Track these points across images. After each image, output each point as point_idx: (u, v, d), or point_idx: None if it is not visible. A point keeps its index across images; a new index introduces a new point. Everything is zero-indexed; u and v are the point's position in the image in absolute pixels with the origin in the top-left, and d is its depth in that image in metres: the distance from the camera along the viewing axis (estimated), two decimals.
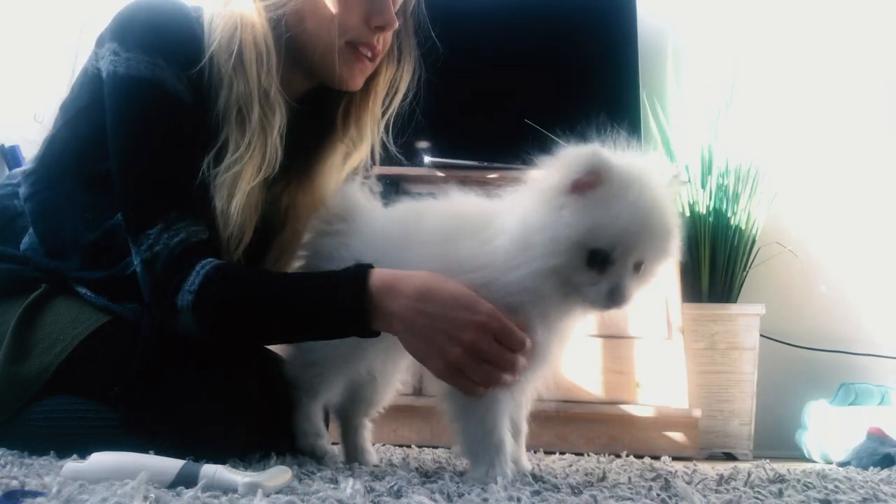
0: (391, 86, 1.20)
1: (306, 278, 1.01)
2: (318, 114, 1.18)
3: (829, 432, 1.91)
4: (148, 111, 0.98)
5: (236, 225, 0.98)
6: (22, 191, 1.08)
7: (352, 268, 0.91)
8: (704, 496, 0.76)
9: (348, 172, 1.22)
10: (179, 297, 0.92)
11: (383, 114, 1.21)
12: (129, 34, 1.00)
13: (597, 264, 0.77)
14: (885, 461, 1.50)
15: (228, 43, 1.00)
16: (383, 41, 1.12)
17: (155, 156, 0.98)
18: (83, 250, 1.02)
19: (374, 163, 1.25)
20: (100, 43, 1.03)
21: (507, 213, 0.86)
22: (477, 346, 0.82)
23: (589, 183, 0.77)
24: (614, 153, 0.79)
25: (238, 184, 0.98)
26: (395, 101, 1.20)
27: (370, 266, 0.90)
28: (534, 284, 0.80)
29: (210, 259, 0.94)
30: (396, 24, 1.10)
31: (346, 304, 0.88)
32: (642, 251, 0.78)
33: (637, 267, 0.79)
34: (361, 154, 1.22)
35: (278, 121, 1.03)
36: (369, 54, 1.10)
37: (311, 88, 1.16)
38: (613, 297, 0.78)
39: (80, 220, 1.03)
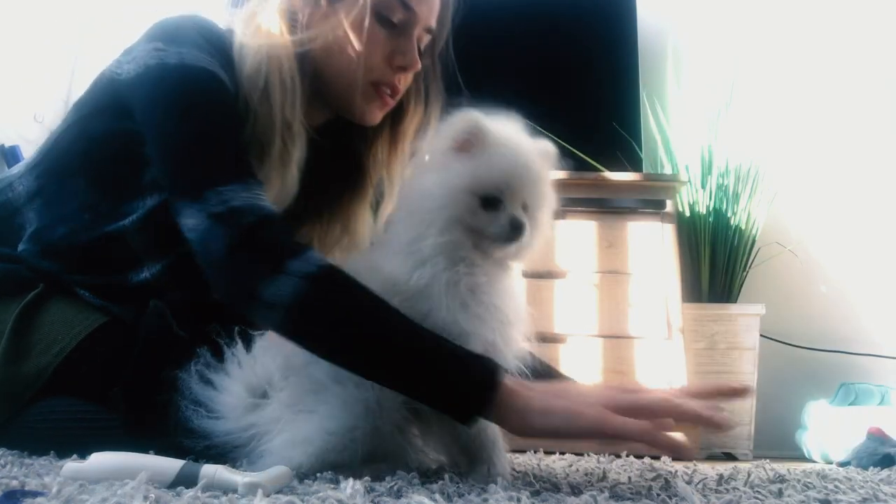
0: (420, 130, 1.19)
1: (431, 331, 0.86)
2: (344, 154, 1.18)
3: (829, 432, 1.91)
4: (212, 93, 0.96)
5: None
6: (24, 182, 1.07)
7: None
8: (704, 496, 0.76)
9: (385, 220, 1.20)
10: (292, 264, 0.82)
11: None
12: (178, 36, 0.98)
13: (490, 207, 0.87)
14: (885, 461, 1.50)
15: (256, 73, 0.99)
16: (404, 80, 1.12)
17: (222, 130, 0.95)
18: (76, 251, 1.02)
19: None
20: (129, 50, 1.01)
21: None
22: (615, 402, 0.79)
23: (470, 141, 0.87)
24: (489, 117, 0.89)
25: None
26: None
27: None
28: (444, 238, 0.86)
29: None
30: (419, 66, 1.11)
31: (478, 371, 0.80)
32: (525, 193, 0.89)
33: (525, 208, 0.90)
34: (394, 197, 1.20)
35: (298, 154, 1.03)
36: (389, 92, 1.11)
37: (331, 120, 1.15)
38: (514, 227, 0.87)
39: (78, 218, 1.03)
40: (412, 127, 1.20)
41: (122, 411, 0.94)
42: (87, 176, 1.03)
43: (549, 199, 0.93)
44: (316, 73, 1.07)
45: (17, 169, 1.10)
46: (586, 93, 2.34)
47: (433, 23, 1.12)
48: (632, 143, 2.29)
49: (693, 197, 2.33)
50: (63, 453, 0.87)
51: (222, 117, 0.96)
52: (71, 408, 0.96)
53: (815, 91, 2.46)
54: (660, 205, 2.11)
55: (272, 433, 0.84)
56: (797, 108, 2.43)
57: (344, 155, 1.19)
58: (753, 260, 2.32)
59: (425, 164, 0.93)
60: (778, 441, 2.17)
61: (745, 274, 2.31)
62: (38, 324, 0.98)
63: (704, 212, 2.30)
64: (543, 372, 0.99)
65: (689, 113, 2.42)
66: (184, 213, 0.89)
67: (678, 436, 0.81)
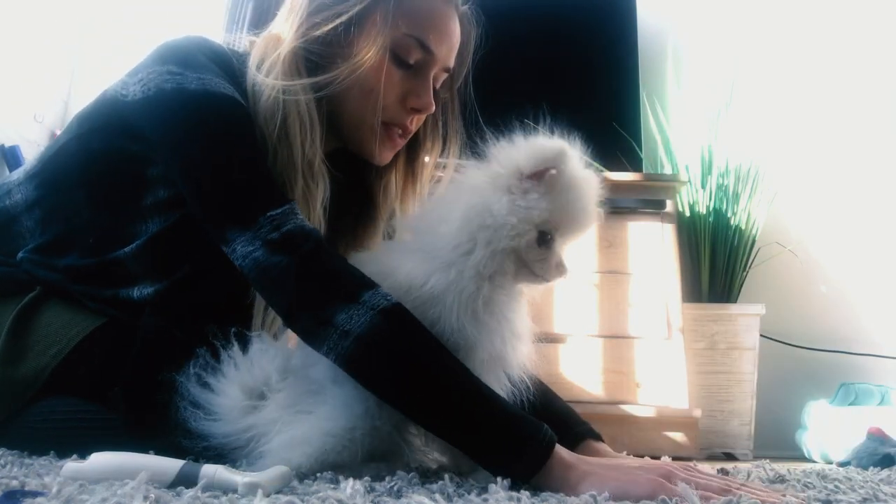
0: (436, 168, 1.18)
1: (489, 388, 0.84)
2: (355, 185, 1.16)
3: (829, 432, 1.91)
4: (240, 121, 0.94)
5: None
6: (23, 190, 1.06)
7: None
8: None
9: None
10: (366, 295, 0.82)
11: None
12: (192, 60, 0.96)
13: (542, 243, 0.88)
14: (885, 461, 1.50)
15: (272, 112, 0.97)
16: (417, 121, 1.11)
17: (257, 156, 0.93)
18: (77, 269, 1.01)
19: None
20: (135, 71, 0.98)
21: (432, 212, 0.95)
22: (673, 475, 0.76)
23: (550, 174, 0.86)
24: (572, 152, 0.89)
25: None
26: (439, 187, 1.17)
27: None
28: (494, 260, 0.86)
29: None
30: (433, 108, 1.09)
31: (534, 439, 0.78)
32: (575, 235, 0.91)
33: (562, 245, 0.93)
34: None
35: (321, 193, 1.01)
36: (400, 132, 1.10)
37: (341, 149, 1.13)
38: (560, 269, 0.89)
39: (82, 242, 1.01)
40: (429, 166, 1.18)
41: (122, 411, 0.94)
42: (87, 191, 1.02)
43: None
44: (330, 110, 1.05)
45: (17, 175, 1.09)
46: (586, 93, 2.34)
47: (451, 63, 1.10)
48: (632, 143, 2.29)
49: (693, 197, 2.33)
50: (63, 453, 0.87)
51: (254, 144, 0.95)
52: (70, 408, 0.95)
53: (815, 91, 2.46)
54: (660, 205, 2.11)
55: (270, 434, 0.84)
56: (797, 108, 2.43)
57: (355, 186, 1.17)
58: (753, 260, 2.32)
59: (489, 181, 0.89)
60: (778, 441, 2.17)
61: (745, 274, 2.31)
62: (36, 325, 0.98)
63: (704, 212, 2.30)
64: (541, 397, 0.97)
65: (689, 113, 2.42)
66: (235, 241, 0.87)
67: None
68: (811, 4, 2.56)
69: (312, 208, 1.01)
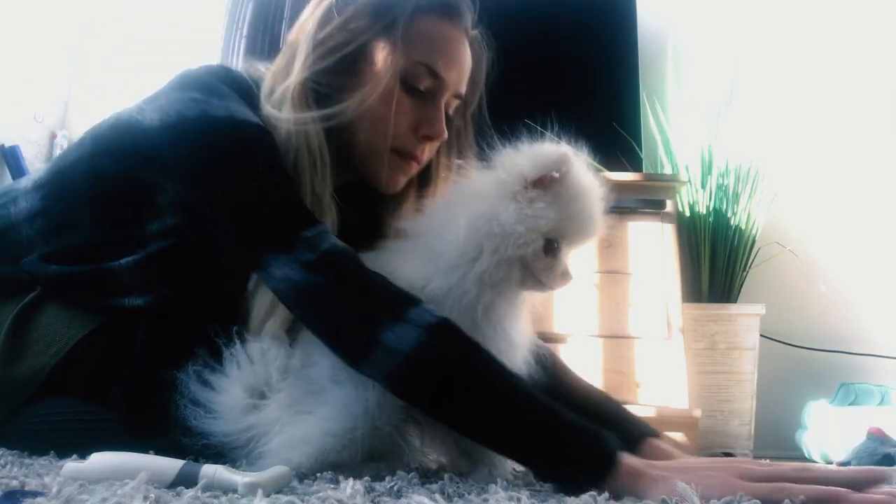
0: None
1: (547, 398, 0.82)
2: (366, 217, 1.14)
3: (829, 432, 1.92)
4: (267, 147, 0.93)
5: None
6: (29, 200, 1.05)
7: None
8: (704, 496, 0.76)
9: None
10: (412, 313, 0.80)
11: None
12: (215, 88, 0.95)
13: (549, 251, 0.87)
14: (885, 461, 1.50)
15: (285, 145, 0.96)
16: (429, 148, 1.10)
17: (286, 180, 0.92)
18: (72, 276, 1.01)
19: None
20: (154, 98, 0.97)
21: (435, 216, 0.94)
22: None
23: (555, 180, 0.86)
24: (576, 157, 0.89)
25: None
26: None
27: None
28: (500, 269, 0.86)
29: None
30: (444, 136, 1.08)
31: (597, 447, 0.76)
32: (581, 243, 0.92)
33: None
34: None
35: (329, 226, 0.99)
36: (412, 160, 1.08)
37: (353, 182, 1.11)
38: (566, 278, 0.89)
39: (79, 251, 1.01)
40: (441, 191, 1.16)
41: (122, 411, 0.94)
42: (92, 210, 1.01)
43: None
44: (340, 141, 1.04)
45: (24, 183, 1.08)
46: (586, 93, 2.34)
47: (462, 89, 1.09)
48: (632, 143, 2.29)
49: (693, 197, 2.32)
50: (63, 453, 0.87)
51: (282, 169, 0.93)
52: (70, 409, 0.95)
53: (815, 91, 2.46)
54: (660, 205, 2.11)
55: (270, 434, 0.84)
56: (797, 109, 2.43)
57: (366, 222, 1.15)
58: (753, 260, 2.32)
59: (495, 187, 0.89)
60: (778, 441, 2.17)
61: (745, 274, 2.31)
62: (36, 325, 0.97)
63: (704, 212, 2.30)
64: (590, 398, 0.99)
65: (689, 113, 2.42)
66: (271, 266, 0.85)
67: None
68: (811, 4, 2.56)
69: None
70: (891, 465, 1.45)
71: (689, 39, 2.56)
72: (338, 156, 1.03)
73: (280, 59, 1.05)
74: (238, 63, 1.13)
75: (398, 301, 0.82)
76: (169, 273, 0.99)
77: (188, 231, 0.97)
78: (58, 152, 2.48)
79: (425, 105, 1.05)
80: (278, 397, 0.87)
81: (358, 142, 1.04)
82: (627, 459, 0.75)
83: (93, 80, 2.67)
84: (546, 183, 0.86)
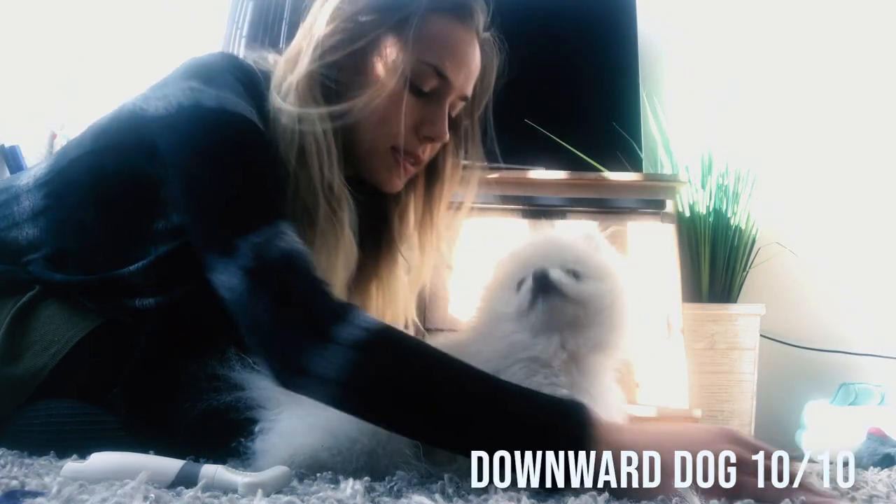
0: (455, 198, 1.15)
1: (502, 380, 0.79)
2: (372, 212, 1.14)
3: (829, 432, 1.91)
4: (248, 142, 0.92)
5: None
6: (32, 198, 1.04)
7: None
8: (704, 496, 0.76)
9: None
10: (338, 331, 0.75)
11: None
12: (215, 77, 0.94)
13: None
14: (885, 461, 1.50)
15: (291, 136, 0.96)
16: (430, 150, 1.09)
17: (255, 180, 0.89)
18: (77, 285, 1.00)
19: None
20: (160, 86, 0.97)
21: None
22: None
23: None
24: None
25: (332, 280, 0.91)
26: (458, 215, 1.16)
27: None
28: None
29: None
30: (446, 138, 1.07)
31: (567, 408, 0.73)
32: None
33: None
34: (426, 269, 1.16)
35: (347, 214, 0.99)
36: (412, 160, 1.07)
37: (356, 175, 1.10)
38: None
39: (84, 260, 1.00)
40: (448, 191, 1.16)
41: (122, 413, 0.94)
42: (96, 211, 1.01)
43: None
44: (344, 138, 1.03)
45: (27, 180, 1.06)
46: (586, 93, 2.34)
47: (468, 91, 1.08)
48: (632, 143, 2.29)
49: (693, 197, 2.32)
50: (63, 453, 0.87)
51: (255, 167, 0.91)
52: (68, 410, 0.95)
53: (816, 91, 2.46)
54: (660, 205, 2.10)
55: (279, 422, 0.84)
56: (797, 109, 2.43)
57: (374, 212, 1.15)
58: (753, 260, 2.32)
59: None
60: (778, 441, 2.14)
61: (745, 274, 2.31)
62: (35, 325, 0.97)
63: (704, 212, 2.30)
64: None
65: (689, 113, 2.42)
66: (217, 269, 0.83)
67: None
68: (811, 5, 2.56)
69: (341, 231, 0.99)
70: (891, 465, 1.45)
71: (689, 39, 2.56)
72: (342, 151, 1.03)
73: (291, 50, 1.04)
74: None
75: (327, 319, 0.77)
76: (180, 273, 0.98)
77: None
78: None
79: (429, 105, 1.04)
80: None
81: (362, 139, 1.04)
82: (600, 418, 0.73)
83: (93, 80, 2.67)
84: None
